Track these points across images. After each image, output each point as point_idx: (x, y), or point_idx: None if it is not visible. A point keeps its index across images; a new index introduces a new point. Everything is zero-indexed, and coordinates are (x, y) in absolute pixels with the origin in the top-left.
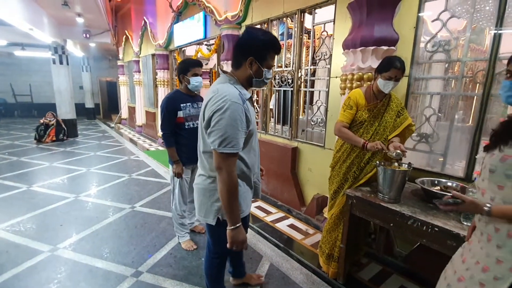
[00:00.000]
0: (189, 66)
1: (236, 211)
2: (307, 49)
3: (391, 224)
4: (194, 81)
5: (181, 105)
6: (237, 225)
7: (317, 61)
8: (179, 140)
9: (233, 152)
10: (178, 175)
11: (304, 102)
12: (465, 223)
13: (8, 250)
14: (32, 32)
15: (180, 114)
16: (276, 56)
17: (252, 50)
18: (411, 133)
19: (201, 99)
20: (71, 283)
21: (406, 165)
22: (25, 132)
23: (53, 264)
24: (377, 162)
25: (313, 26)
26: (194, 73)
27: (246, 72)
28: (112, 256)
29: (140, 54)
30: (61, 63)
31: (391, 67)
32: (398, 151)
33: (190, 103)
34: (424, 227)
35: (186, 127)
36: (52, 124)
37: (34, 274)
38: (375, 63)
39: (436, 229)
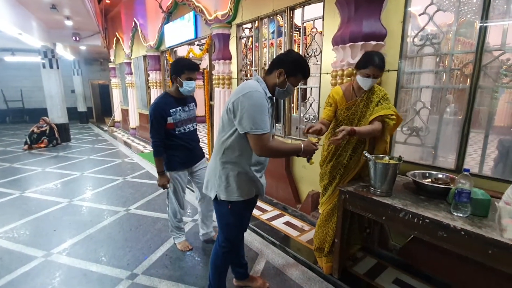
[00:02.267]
0: (184, 69)
1: (292, 151)
2: (298, 46)
3: (384, 218)
4: (188, 85)
5: (170, 110)
6: (300, 152)
7: (308, 58)
8: (171, 146)
9: (264, 133)
10: (163, 186)
11: (297, 99)
12: (455, 214)
13: (2, 257)
14: (21, 37)
15: (170, 120)
16: (302, 80)
17: (285, 64)
18: (391, 128)
19: (193, 101)
20: None
21: (397, 158)
22: (17, 138)
23: (47, 269)
24: (368, 155)
25: (303, 23)
26: (189, 77)
27: (273, 79)
28: (107, 260)
29: (131, 56)
30: (51, 67)
31: (369, 64)
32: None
33: (180, 107)
34: (415, 219)
35: (177, 132)
36: (45, 130)
37: (28, 280)
38: None
39: (427, 220)
